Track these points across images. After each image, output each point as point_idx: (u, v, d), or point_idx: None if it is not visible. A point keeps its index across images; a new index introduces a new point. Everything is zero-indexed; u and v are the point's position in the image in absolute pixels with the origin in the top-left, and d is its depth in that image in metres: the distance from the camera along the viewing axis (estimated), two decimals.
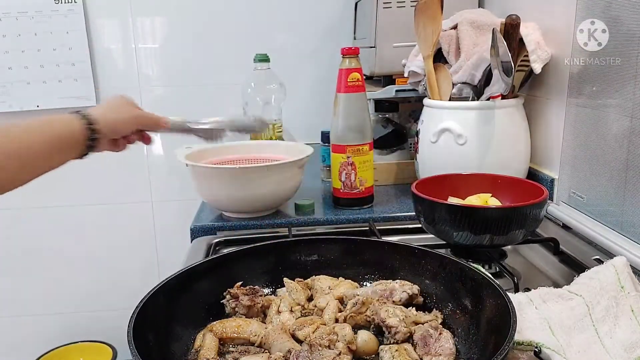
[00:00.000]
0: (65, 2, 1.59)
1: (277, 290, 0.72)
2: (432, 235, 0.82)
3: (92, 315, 1.84)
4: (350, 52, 1.02)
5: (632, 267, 0.66)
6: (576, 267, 0.80)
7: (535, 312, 0.61)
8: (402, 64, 1.18)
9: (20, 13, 1.59)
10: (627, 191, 0.82)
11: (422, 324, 0.60)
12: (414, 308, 0.64)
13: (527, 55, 1.01)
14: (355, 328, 0.62)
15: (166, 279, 0.63)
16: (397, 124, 1.30)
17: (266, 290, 0.71)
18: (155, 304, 0.59)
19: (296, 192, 1.07)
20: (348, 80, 1.02)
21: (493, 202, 0.83)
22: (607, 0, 0.84)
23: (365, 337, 0.59)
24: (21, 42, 1.60)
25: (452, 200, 0.83)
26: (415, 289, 0.66)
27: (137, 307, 0.56)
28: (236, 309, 0.65)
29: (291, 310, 0.66)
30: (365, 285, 0.72)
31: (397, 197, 1.16)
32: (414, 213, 0.84)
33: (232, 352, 0.59)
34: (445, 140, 1.03)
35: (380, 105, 1.28)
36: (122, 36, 1.66)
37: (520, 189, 0.84)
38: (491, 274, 0.69)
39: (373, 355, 0.59)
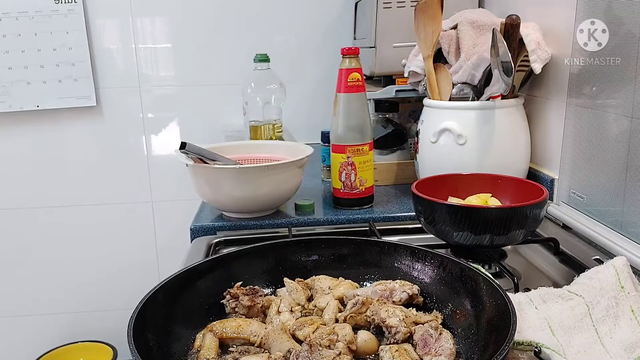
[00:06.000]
0: (65, 2, 1.59)
1: (277, 290, 0.72)
2: (432, 235, 0.82)
3: (92, 315, 1.84)
4: (350, 52, 1.02)
5: (632, 267, 0.66)
6: (576, 267, 0.80)
7: (535, 312, 0.61)
8: (402, 64, 1.18)
9: (20, 13, 1.59)
10: (627, 191, 0.82)
11: (422, 324, 0.60)
12: (414, 308, 0.64)
13: (527, 55, 1.01)
14: (355, 328, 0.62)
15: (166, 279, 0.63)
16: (397, 124, 1.30)
17: (266, 290, 0.71)
18: (155, 304, 0.59)
19: (296, 192, 1.07)
20: (348, 80, 1.02)
21: (493, 202, 0.83)
22: (607, 0, 0.84)
23: (365, 337, 0.59)
24: (21, 42, 1.60)
25: (452, 200, 0.83)
26: (415, 289, 0.66)
27: (137, 307, 0.56)
28: (236, 309, 0.65)
29: (291, 310, 0.66)
30: (365, 285, 0.72)
31: (397, 197, 1.16)
32: (414, 213, 0.84)
33: (232, 352, 0.59)
34: (445, 140, 1.03)
35: (380, 105, 1.28)
36: (122, 36, 1.66)
37: (520, 189, 0.84)
38: (491, 274, 0.69)
39: (373, 355, 0.59)
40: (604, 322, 0.59)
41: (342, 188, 1.06)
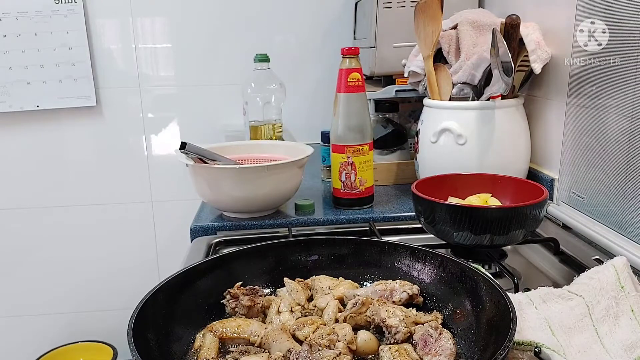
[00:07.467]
0: (65, 2, 1.59)
1: (277, 290, 0.72)
2: (432, 235, 0.82)
3: (92, 315, 1.84)
4: (350, 52, 1.02)
5: (632, 267, 0.66)
6: (576, 267, 0.80)
7: (535, 312, 0.61)
8: (402, 64, 1.18)
9: (20, 13, 1.59)
10: (627, 191, 0.82)
11: (422, 324, 0.60)
12: (414, 308, 0.64)
13: (527, 55, 1.01)
14: (355, 328, 0.62)
15: (166, 279, 0.63)
16: (397, 124, 1.30)
17: (266, 290, 0.71)
18: (155, 304, 0.59)
19: (296, 192, 1.07)
20: (348, 80, 1.02)
21: (493, 202, 0.83)
22: (607, 0, 0.84)
23: (365, 337, 0.59)
24: (21, 42, 1.60)
25: (452, 200, 0.83)
26: (415, 289, 0.66)
27: (137, 307, 0.56)
28: (236, 309, 0.65)
29: (291, 310, 0.66)
30: (365, 285, 0.72)
31: (397, 197, 1.16)
32: (414, 213, 0.84)
33: (232, 352, 0.59)
34: (445, 140, 1.03)
35: (380, 105, 1.28)
36: (122, 36, 1.66)
37: (520, 189, 0.84)
38: (491, 274, 0.69)
39: (373, 355, 0.59)
40: (604, 322, 0.59)
41: (342, 188, 1.06)
